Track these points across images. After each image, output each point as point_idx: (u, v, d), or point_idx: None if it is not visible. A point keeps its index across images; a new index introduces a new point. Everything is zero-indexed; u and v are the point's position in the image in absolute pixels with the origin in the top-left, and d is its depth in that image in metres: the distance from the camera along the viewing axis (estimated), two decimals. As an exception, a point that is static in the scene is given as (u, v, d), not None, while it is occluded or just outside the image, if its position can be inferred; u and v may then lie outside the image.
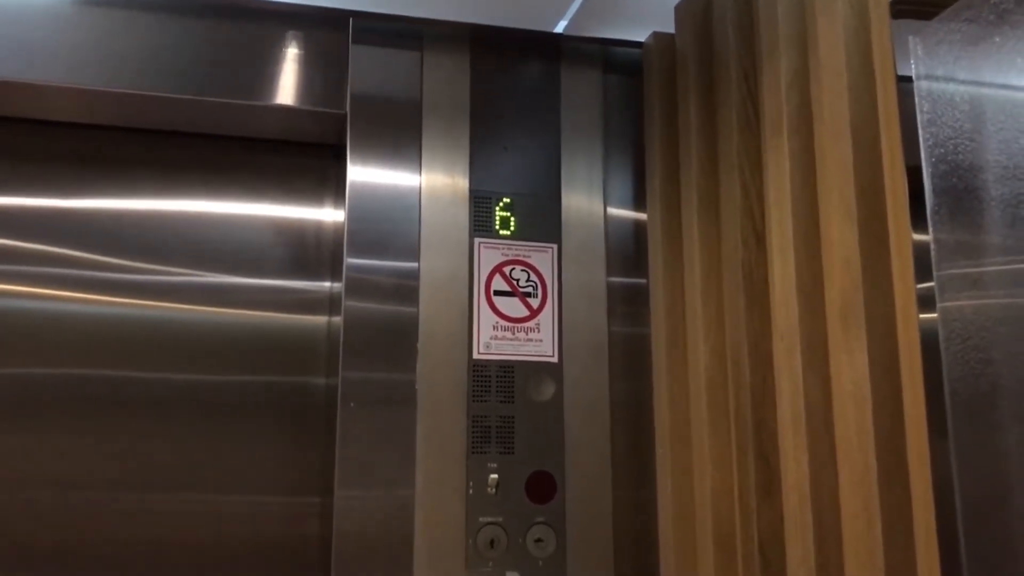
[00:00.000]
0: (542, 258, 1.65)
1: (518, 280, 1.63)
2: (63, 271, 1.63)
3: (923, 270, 1.04)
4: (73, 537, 1.55)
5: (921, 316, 1.04)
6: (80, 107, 1.62)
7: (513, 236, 1.65)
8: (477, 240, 1.63)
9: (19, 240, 1.63)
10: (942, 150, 0.93)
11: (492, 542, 1.52)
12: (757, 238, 1.41)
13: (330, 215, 1.76)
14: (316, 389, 1.69)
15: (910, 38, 1.01)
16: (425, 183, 1.63)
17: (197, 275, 1.68)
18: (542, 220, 1.67)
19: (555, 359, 1.61)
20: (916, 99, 1.00)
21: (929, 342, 0.99)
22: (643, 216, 1.71)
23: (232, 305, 1.69)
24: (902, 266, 1.10)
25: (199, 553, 1.59)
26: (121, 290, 1.64)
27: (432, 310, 1.58)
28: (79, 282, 1.63)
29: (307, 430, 1.67)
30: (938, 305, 0.94)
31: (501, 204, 1.65)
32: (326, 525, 1.57)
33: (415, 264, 1.60)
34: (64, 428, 1.57)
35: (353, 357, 1.54)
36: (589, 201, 1.70)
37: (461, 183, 1.65)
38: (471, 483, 1.53)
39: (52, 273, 1.62)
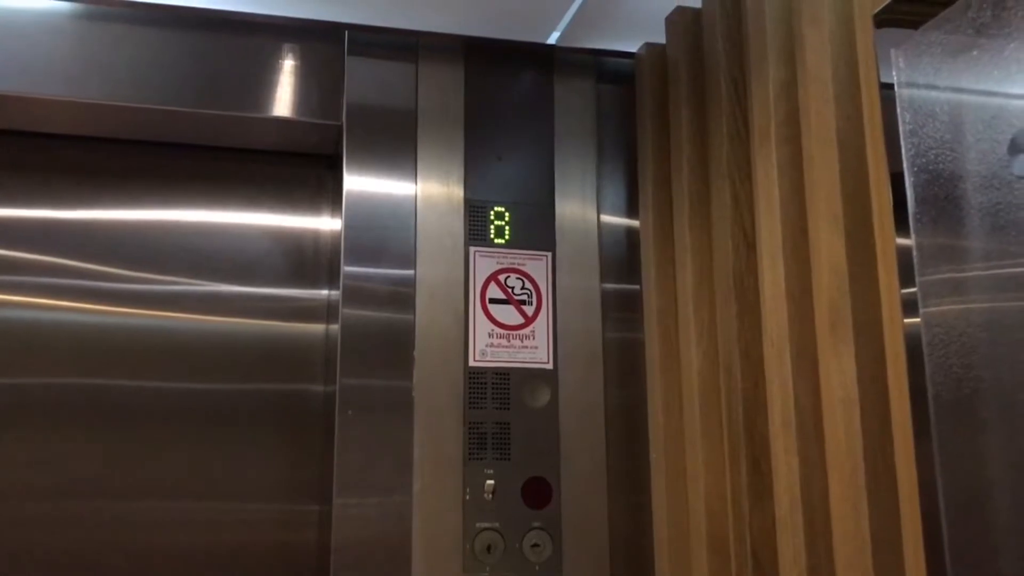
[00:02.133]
0: (536, 266, 1.67)
1: (513, 288, 1.65)
2: (61, 281, 1.64)
3: (908, 276, 1.06)
4: (70, 545, 1.56)
5: (906, 321, 1.06)
6: (78, 120, 1.64)
7: (508, 244, 1.67)
8: (472, 248, 1.65)
9: (18, 251, 1.64)
10: (923, 159, 0.95)
11: (489, 547, 1.53)
12: (747, 245, 1.42)
13: (327, 224, 1.78)
14: (314, 397, 1.70)
15: (892, 50, 1.03)
16: (421, 192, 1.65)
17: (195, 284, 1.70)
18: (536, 228, 1.69)
19: (550, 366, 1.63)
20: (898, 108, 1.02)
21: (914, 346, 1.01)
22: (636, 223, 1.73)
23: (230, 314, 1.70)
24: (887, 272, 1.12)
25: (198, 561, 1.60)
26: (120, 300, 1.66)
27: (428, 318, 1.60)
28: (77, 292, 1.65)
29: (305, 438, 1.68)
30: (920, 310, 0.96)
31: (496, 213, 1.67)
32: (324, 532, 1.58)
33: (411, 272, 1.61)
34: (62, 437, 1.59)
35: (351, 364, 1.56)
36: (583, 209, 1.72)
37: (456, 192, 1.67)
38: (468, 489, 1.55)
39: (50, 283, 1.64)
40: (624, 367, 1.67)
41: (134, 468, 1.60)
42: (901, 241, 1.08)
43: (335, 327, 1.63)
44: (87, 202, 1.69)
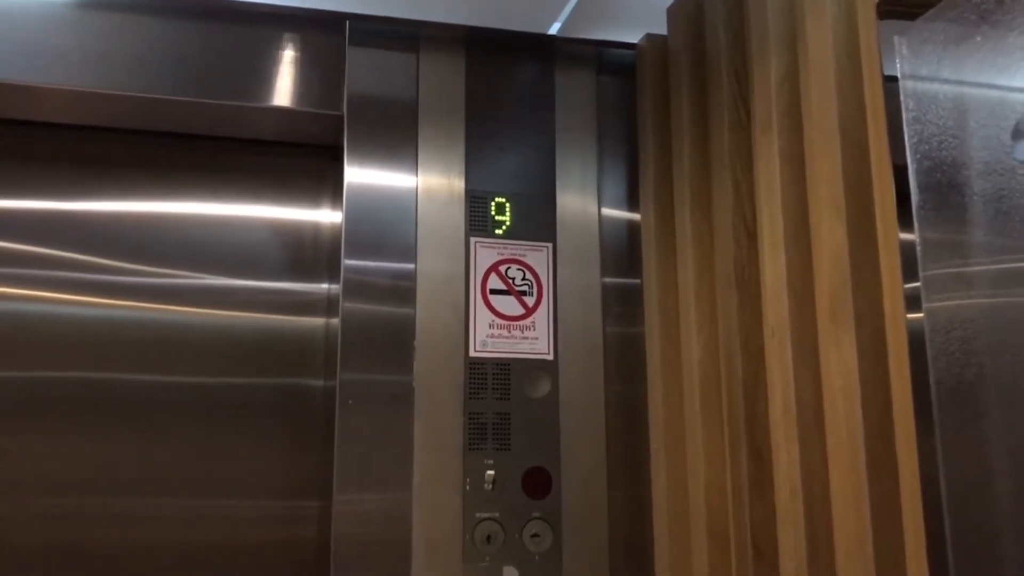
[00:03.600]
0: (537, 257, 1.67)
1: (514, 279, 1.65)
2: (60, 273, 1.64)
3: (910, 266, 1.06)
4: (71, 540, 1.55)
5: (908, 311, 1.06)
6: (78, 109, 1.64)
7: (508, 236, 1.67)
8: (473, 240, 1.65)
9: (16, 242, 1.64)
10: (926, 147, 0.95)
11: (489, 537, 1.54)
12: (748, 236, 1.42)
13: (327, 216, 1.78)
14: (314, 391, 1.70)
15: (895, 38, 1.03)
16: (421, 184, 1.65)
17: (195, 277, 1.70)
18: (537, 220, 1.69)
19: (550, 356, 1.63)
20: (901, 98, 1.02)
21: (916, 336, 1.01)
22: (636, 215, 1.73)
23: (230, 307, 1.70)
24: (889, 262, 1.12)
25: (198, 557, 1.60)
26: (119, 292, 1.65)
27: (429, 310, 1.60)
28: (76, 284, 1.64)
29: (305, 432, 1.68)
30: (923, 300, 0.96)
31: (496, 204, 1.67)
32: (324, 528, 1.58)
33: (412, 265, 1.61)
34: (60, 431, 1.58)
35: (351, 358, 1.55)
36: (583, 201, 1.72)
37: (457, 183, 1.67)
38: (468, 479, 1.55)
39: (48, 275, 1.63)
40: (624, 358, 1.67)
41: (131, 463, 1.60)
42: (904, 235, 1.08)
43: (335, 321, 1.63)
44: (85, 193, 1.68)
